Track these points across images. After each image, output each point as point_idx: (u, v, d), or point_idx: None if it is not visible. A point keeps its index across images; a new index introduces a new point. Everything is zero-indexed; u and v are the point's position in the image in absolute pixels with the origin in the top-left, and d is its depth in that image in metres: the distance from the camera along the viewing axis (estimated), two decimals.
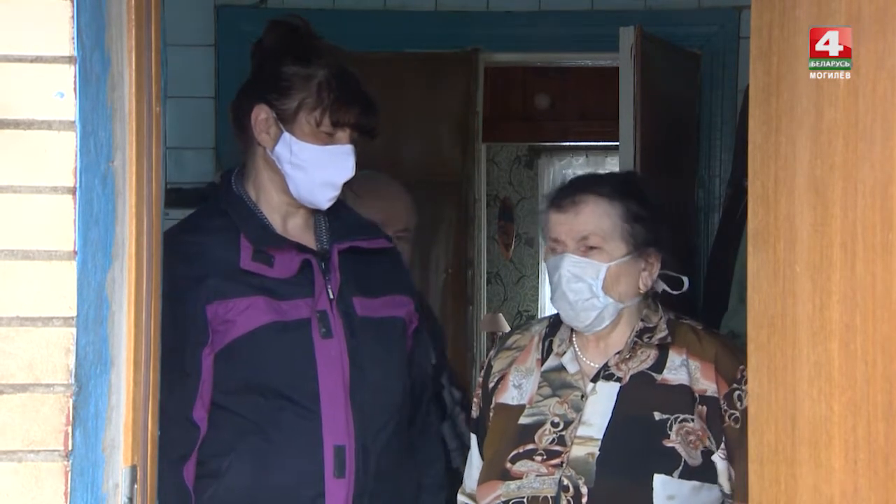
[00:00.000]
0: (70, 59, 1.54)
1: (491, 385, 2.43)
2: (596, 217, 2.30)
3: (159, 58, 1.79)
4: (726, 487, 2.24)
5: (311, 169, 2.34)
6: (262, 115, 2.35)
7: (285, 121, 2.34)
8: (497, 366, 2.45)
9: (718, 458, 2.24)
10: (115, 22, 1.64)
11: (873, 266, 1.57)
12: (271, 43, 2.41)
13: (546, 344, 2.41)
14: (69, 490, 1.54)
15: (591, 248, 2.29)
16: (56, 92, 1.54)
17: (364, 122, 2.40)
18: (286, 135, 2.33)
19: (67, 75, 1.55)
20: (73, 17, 1.54)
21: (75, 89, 1.55)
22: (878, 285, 1.57)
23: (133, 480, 1.63)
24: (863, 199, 1.58)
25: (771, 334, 1.73)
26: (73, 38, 1.54)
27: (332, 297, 2.37)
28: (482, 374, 2.49)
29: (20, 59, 1.54)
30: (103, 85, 1.61)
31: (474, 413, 2.49)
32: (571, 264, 2.28)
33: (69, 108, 1.55)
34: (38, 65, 1.55)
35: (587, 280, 2.27)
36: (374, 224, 2.55)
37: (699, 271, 4.17)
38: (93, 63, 1.58)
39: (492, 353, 2.50)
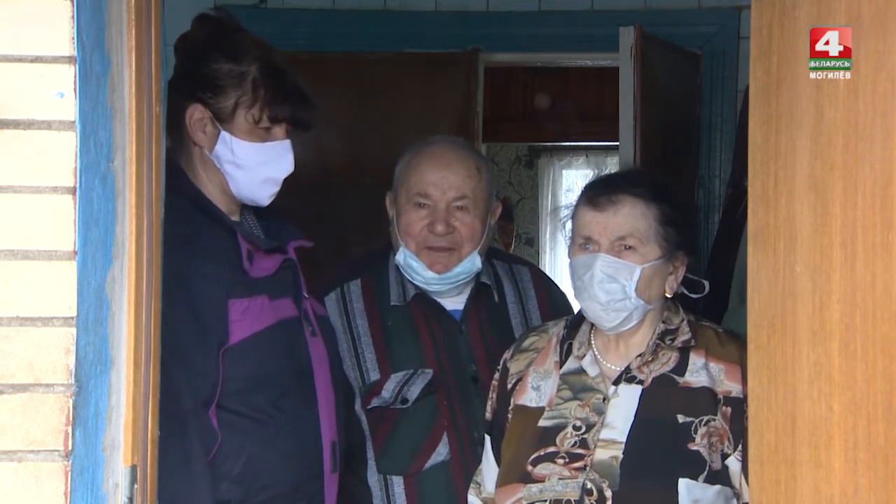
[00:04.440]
0: (70, 59, 1.54)
1: (509, 386, 2.41)
2: (634, 218, 2.27)
3: (159, 58, 1.79)
4: (740, 489, 2.23)
5: (251, 167, 2.31)
6: (197, 115, 2.30)
7: (222, 120, 2.30)
8: (514, 368, 2.42)
9: (734, 460, 2.23)
10: (115, 22, 1.64)
11: (873, 266, 1.57)
12: (199, 39, 2.35)
13: (565, 346, 2.38)
14: (69, 490, 1.54)
15: (627, 248, 2.27)
16: (56, 92, 1.54)
17: (300, 115, 2.36)
18: (224, 134, 2.29)
19: (67, 75, 1.55)
20: (73, 17, 1.54)
21: (75, 89, 1.55)
22: (878, 285, 1.57)
23: (133, 480, 1.63)
24: (863, 199, 1.58)
25: (771, 334, 1.73)
26: (73, 38, 1.54)
27: (306, 295, 2.39)
28: (497, 376, 2.46)
29: (20, 59, 1.54)
30: (103, 85, 1.61)
31: (488, 416, 2.46)
32: (605, 264, 2.26)
33: (69, 108, 1.55)
34: (38, 65, 1.55)
35: (621, 281, 2.25)
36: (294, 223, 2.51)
37: (699, 271, 4.17)
38: (93, 63, 1.58)
39: (507, 355, 2.46)
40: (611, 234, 2.27)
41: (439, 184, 2.65)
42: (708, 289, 2.37)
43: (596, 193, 2.31)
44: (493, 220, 2.76)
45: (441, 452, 2.61)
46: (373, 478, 2.63)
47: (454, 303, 2.73)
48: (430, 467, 2.61)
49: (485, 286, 2.76)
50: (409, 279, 2.69)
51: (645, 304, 2.28)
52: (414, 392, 2.62)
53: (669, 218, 2.30)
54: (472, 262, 2.67)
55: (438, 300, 2.71)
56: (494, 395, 2.45)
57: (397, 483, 2.62)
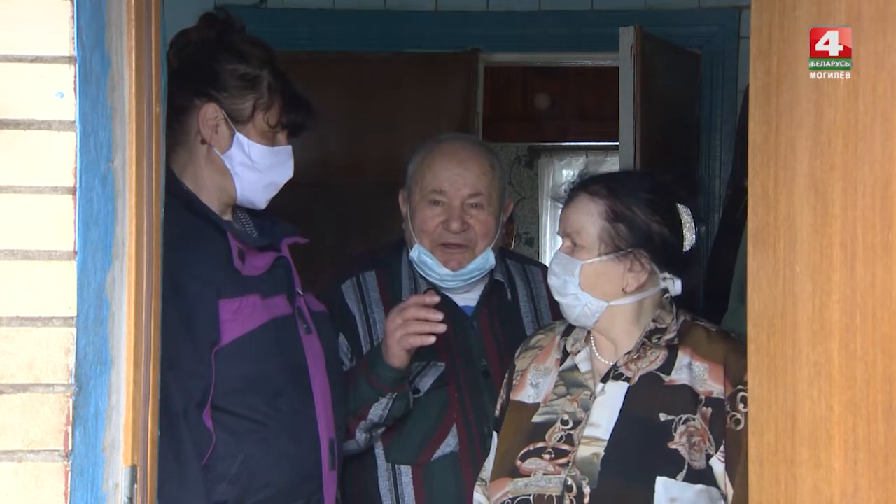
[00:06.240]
0: (70, 59, 1.54)
1: (514, 383, 2.43)
2: (579, 214, 2.31)
3: (159, 58, 1.79)
4: (725, 490, 2.23)
5: (263, 170, 2.32)
6: (211, 114, 2.29)
7: (238, 121, 2.30)
8: (519, 365, 2.45)
9: (717, 461, 2.22)
10: (115, 22, 1.64)
11: (873, 266, 1.57)
12: (208, 38, 2.34)
13: (563, 344, 2.41)
14: (69, 490, 1.53)
15: (576, 245, 2.30)
16: (56, 92, 1.54)
17: (310, 121, 2.38)
18: (241, 136, 2.29)
19: (67, 75, 1.55)
20: (73, 17, 1.54)
21: (75, 89, 1.55)
22: (878, 285, 1.56)
23: (133, 480, 1.63)
24: (863, 199, 1.58)
25: (771, 334, 1.73)
26: (73, 38, 1.54)
27: (300, 292, 2.39)
28: (507, 374, 2.48)
29: (20, 59, 1.54)
30: (103, 85, 1.61)
31: (497, 413, 2.48)
32: (556, 261, 2.33)
33: (69, 108, 1.55)
34: (38, 65, 1.55)
35: (564, 277, 2.30)
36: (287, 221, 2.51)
37: (699, 271, 4.17)
38: (93, 63, 1.58)
39: (517, 352, 2.49)
40: (563, 230, 2.33)
41: (454, 181, 2.68)
42: (681, 289, 2.36)
43: (565, 190, 2.38)
44: (505, 216, 2.78)
45: (450, 444, 2.62)
46: (381, 467, 2.63)
47: (466, 299, 2.75)
48: (438, 458, 2.62)
49: (498, 284, 2.78)
50: (424, 276, 2.71)
51: (598, 300, 2.29)
52: (426, 383, 2.63)
53: (619, 214, 2.29)
54: (486, 259, 2.70)
55: (450, 296, 2.72)
56: (504, 394, 2.47)
57: (405, 473, 2.63)
